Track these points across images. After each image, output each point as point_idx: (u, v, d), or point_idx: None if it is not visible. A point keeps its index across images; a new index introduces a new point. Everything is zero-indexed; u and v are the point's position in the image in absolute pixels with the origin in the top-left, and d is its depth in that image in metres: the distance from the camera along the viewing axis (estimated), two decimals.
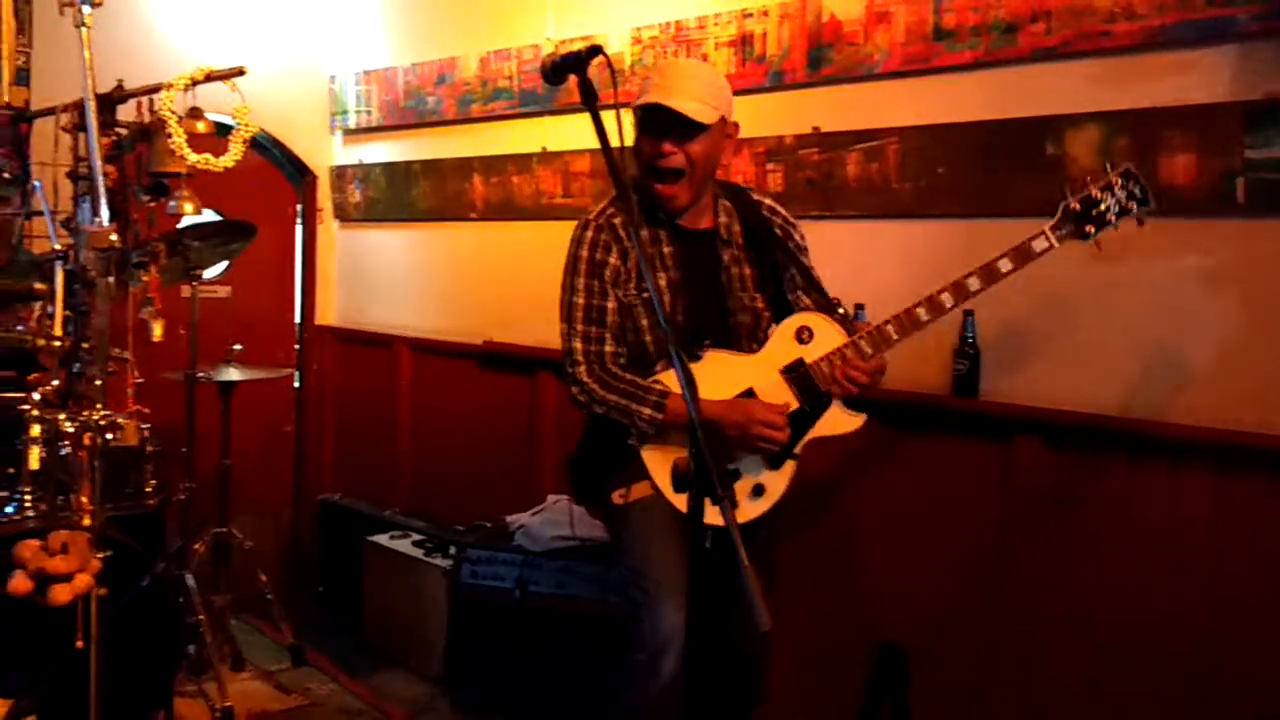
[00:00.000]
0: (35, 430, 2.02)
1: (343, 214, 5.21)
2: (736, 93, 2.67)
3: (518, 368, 4.29)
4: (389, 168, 4.91)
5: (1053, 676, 2.85)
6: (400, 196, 4.85)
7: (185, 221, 3.38)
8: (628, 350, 2.61)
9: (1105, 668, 2.77)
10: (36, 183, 2.47)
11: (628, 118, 2.45)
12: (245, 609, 4.09)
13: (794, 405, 2.53)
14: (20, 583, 1.97)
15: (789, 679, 3.19)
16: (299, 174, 5.18)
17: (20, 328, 2.52)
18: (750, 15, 3.46)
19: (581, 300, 2.59)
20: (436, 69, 4.59)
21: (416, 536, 4.18)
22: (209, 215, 3.21)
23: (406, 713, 3.63)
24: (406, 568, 4.02)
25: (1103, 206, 2.40)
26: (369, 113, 4.97)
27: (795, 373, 2.54)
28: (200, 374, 3.71)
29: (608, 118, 1.91)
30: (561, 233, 2.70)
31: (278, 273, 5.18)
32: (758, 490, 2.56)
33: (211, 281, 3.97)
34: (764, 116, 3.34)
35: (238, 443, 3.97)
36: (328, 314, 5.29)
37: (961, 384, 2.98)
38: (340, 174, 5.16)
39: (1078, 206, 2.41)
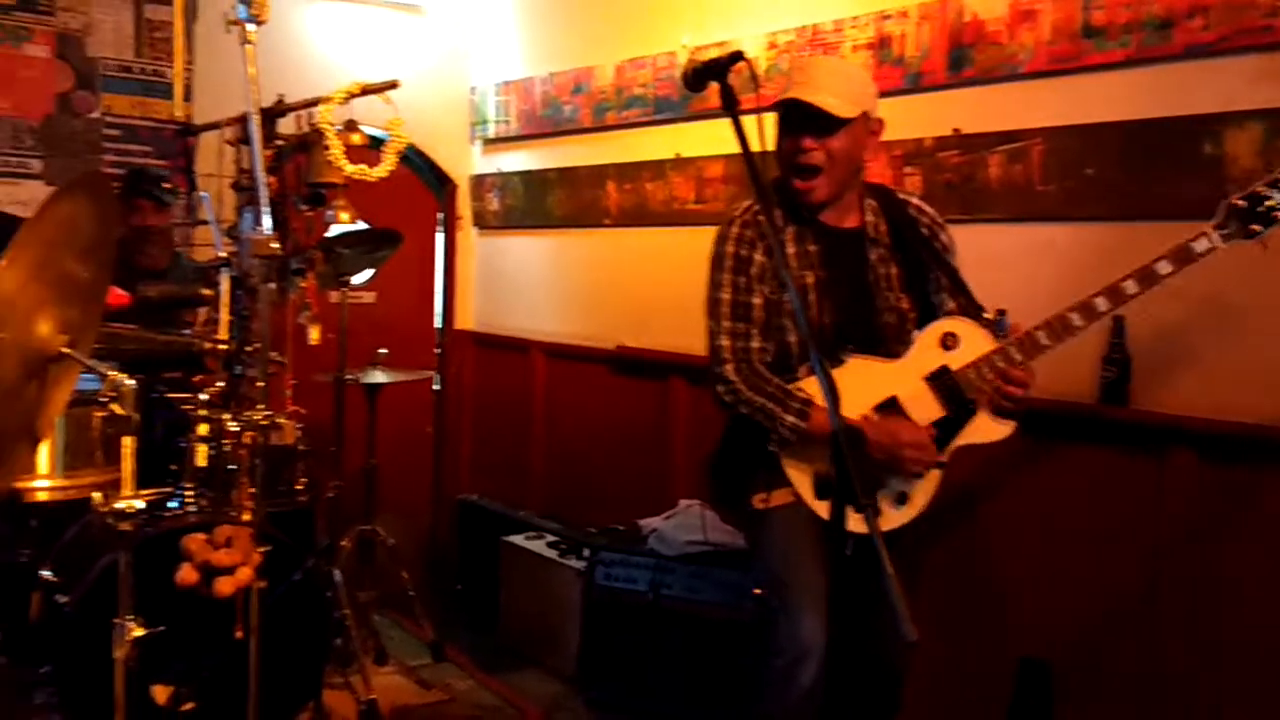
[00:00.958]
0: (203, 429, 2.13)
1: (481, 221, 5.34)
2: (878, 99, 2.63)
3: (650, 372, 4.32)
4: (526, 176, 5.01)
5: (1207, 702, 2.72)
6: (536, 204, 4.95)
7: (333, 230, 3.52)
8: (772, 349, 2.59)
9: (1265, 695, 2.63)
10: (204, 194, 2.60)
11: (767, 121, 2.46)
12: (388, 605, 4.22)
13: (939, 414, 2.49)
14: (188, 574, 2.10)
15: (927, 691, 3.12)
16: (440, 183, 5.34)
17: (186, 331, 2.68)
18: (889, 17, 3.42)
19: (728, 296, 2.57)
20: (573, 78, 4.66)
21: (551, 538, 4.25)
22: (357, 223, 3.33)
23: (541, 711, 3.69)
24: (541, 568, 4.09)
25: (1271, 202, 2.28)
26: (507, 122, 5.08)
27: (941, 380, 2.48)
28: (349, 376, 3.85)
29: (747, 122, 1.92)
30: (694, 238, 2.71)
31: (419, 279, 5.35)
32: (901, 498, 2.51)
33: (358, 287, 4.12)
34: (902, 119, 3.28)
35: (381, 443, 4.10)
36: (466, 319, 5.44)
37: (1110, 391, 2.87)
38: (479, 182, 5.30)
39: (1243, 203, 2.29)
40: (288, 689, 2.96)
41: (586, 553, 3.90)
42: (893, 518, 2.49)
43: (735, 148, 1.95)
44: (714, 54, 2.07)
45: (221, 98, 2.77)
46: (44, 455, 2.20)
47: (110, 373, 1.80)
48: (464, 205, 5.38)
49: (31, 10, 4.06)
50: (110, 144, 4.25)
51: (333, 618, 3.45)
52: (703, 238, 2.68)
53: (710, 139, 4.01)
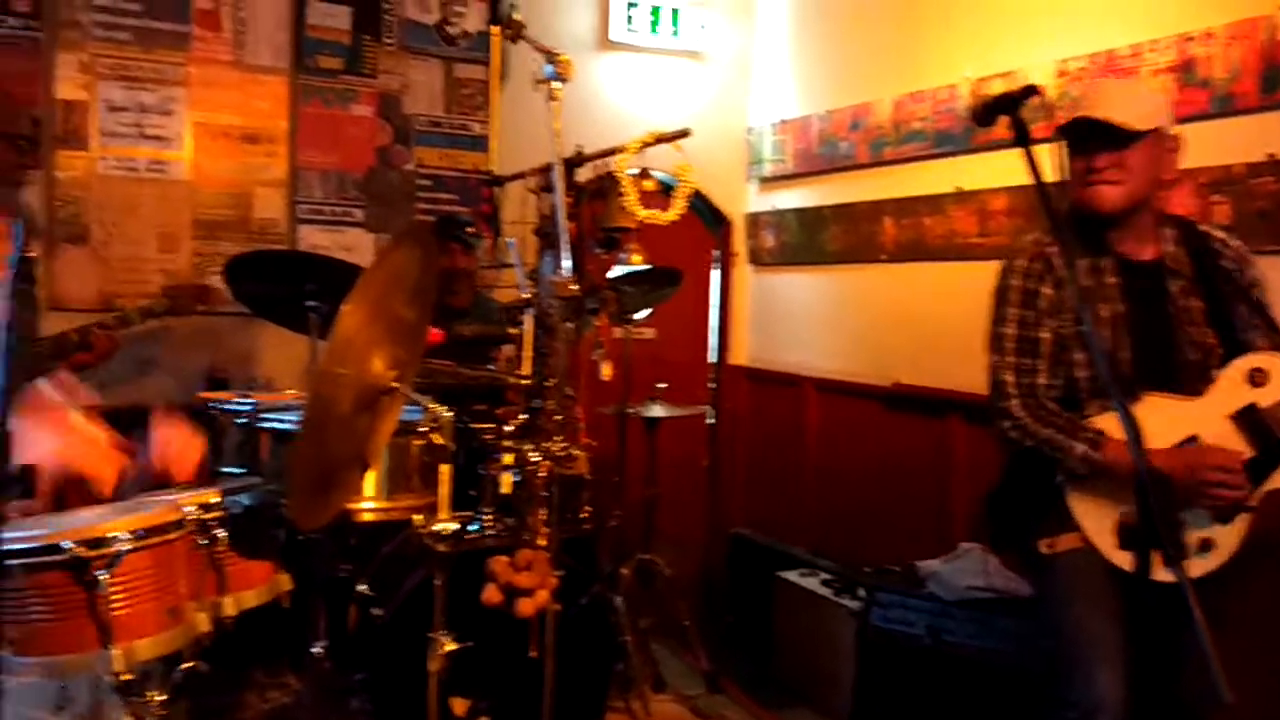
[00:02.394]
0: (508, 459, 2.28)
1: (756, 258, 5.42)
2: (1175, 120, 2.49)
3: (927, 410, 4.23)
4: (801, 213, 5.05)
5: None
6: (811, 240, 4.97)
7: (616, 270, 3.69)
8: (1060, 386, 2.49)
9: None
10: (510, 240, 2.81)
11: (1055, 153, 2.38)
12: (663, 633, 4.32)
13: (1246, 455, 2.31)
14: (493, 594, 2.25)
15: None
16: (717, 222, 5.47)
17: (491, 367, 2.88)
18: (1192, 39, 3.23)
19: (1013, 331, 2.49)
20: (850, 115, 4.67)
21: (825, 575, 4.23)
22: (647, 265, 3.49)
23: None
24: (815, 606, 4.08)
25: None
26: (783, 161, 5.14)
27: (1248, 418, 2.31)
28: (630, 409, 4.00)
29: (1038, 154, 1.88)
30: (976, 274, 2.65)
31: (695, 315, 5.48)
32: (1205, 545, 2.35)
33: (638, 324, 4.29)
34: (1208, 145, 3.09)
35: (659, 475, 4.23)
36: (740, 354, 5.52)
37: None
38: (755, 220, 5.39)
39: None
40: (574, 710, 3.09)
41: (861, 592, 3.84)
42: (1196, 566, 2.33)
43: (1020, 180, 1.92)
44: (999, 85, 2.05)
45: (523, 149, 2.98)
46: (370, 480, 2.43)
47: (431, 405, 1.97)
48: (739, 243, 5.48)
49: (358, 74, 4.51)
50: (422, 193, 4.65)
51: (615, 643, 3.57)
52: (985, 272, 2.62)
53: (994, 171, 3.90)
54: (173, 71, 4.22)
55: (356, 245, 4.52)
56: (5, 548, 1.43)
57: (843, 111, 4.72)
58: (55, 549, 1.58)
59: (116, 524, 1.65)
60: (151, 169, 4.20)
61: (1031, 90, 2.00)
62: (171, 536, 1.73)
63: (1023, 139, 1.96)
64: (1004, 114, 2.01)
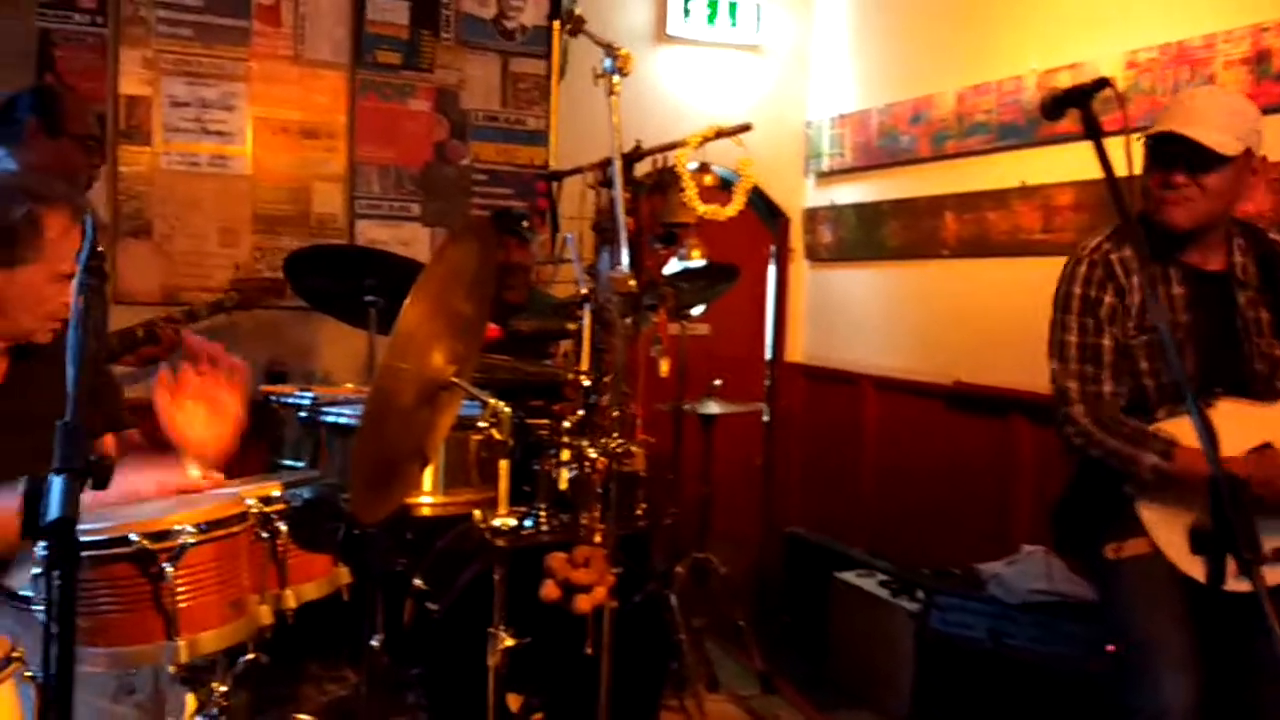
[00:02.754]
0: (565, 455, 2.27)
1: (813, 254, 5.36)
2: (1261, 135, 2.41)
3: (989, 409, 4.16)
4: (860, 208, 4.99)
5: None
6: (870, 236, 4.91)
7: (671, 266, 3.66)
8: (1125, 393, 2.45)
9: None
10: (569, 235, 2.80)
11: (1124, 147, 2.32)
12: (717, 632, 4.30)
13: None
14: (551, 590, 2.24)
15: None
16: (773, 217, 5.42)
17: (547, 363, 2.88)
18: (1267, 30, 3.14)
19: (1075, 339, 2.45)
20: (911, 108, 4.60)
21: (882, 576, 4.17)
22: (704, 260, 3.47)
23: None
24: (872, 607, 4.03)
25: None
26: (841, 155, 5.08)
27: None
28: (686, 406, 3.98)
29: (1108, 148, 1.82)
30: (1040, 270, 2.60)
31: (750, 311, 5.44)
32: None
33: (693, 320, 4.27)
34: None
35: (714, 473, 4.20)
36: (796, 351, 5.47)
37: None
38: (812, 215, 5.33)
39: None
40: (628, 707, 3.07)
41: (920, 594, 3.80)
42: (1271, 574, 2.26)
43: (1087, 174, 1.87)
44: (1066, 77, 1.99)
45: (579, 144, 2.97)
46: (428, 474, 2.43)
47: (491, 400, 1.96)
48: (796, 238, 5.43)
49: (415, 69, 4.53)
50: (478, 188, 4.65)
51: (670, 642, 3.56)
52: (1050, 269, 2.57)
53: (1060, 165, 3.82)
54: (234, 67, 4.26)
55: (413, 240, 4.53)
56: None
57: (904, 104, 4.65)
58: (124, 541, 1.60)
59: (182, 516, 1.66)
60: (213, 164, 4.25)
61: (1103, 83, 1.94)
62: (235, 529, 1.74)
63: (1094, 133, 1.91)
64: (1075, 107, 1.96)
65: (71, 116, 2.99)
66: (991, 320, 4.18)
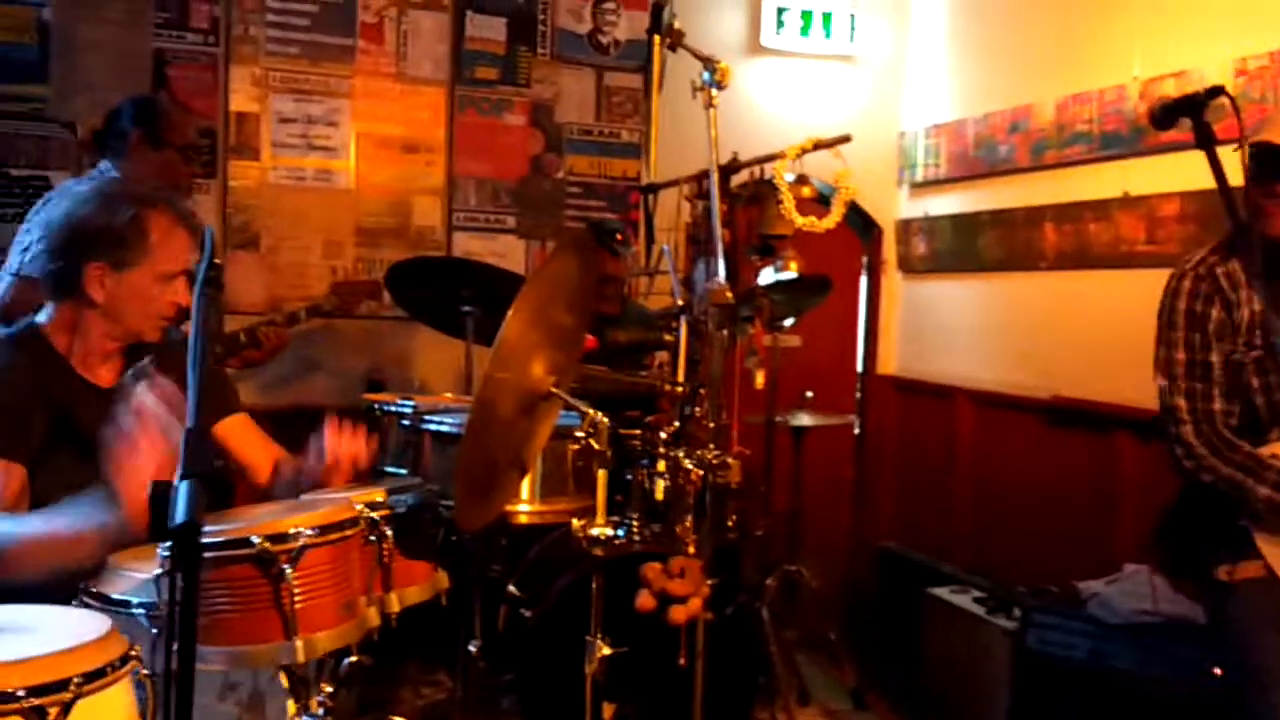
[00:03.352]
0: (661, 465, 2.29)
1: (907, 266, 5.30)
2: None
3: (1090, 424, 4.07)
4: (955, 219, 4.92)
5: None
6: (966, 247, 4.84)
7: (763, 277, 3.66)
8: (1236, 411, 2.37)
9: None
10: (665, 246, 2.82)
11: (1245, 159, 2.27)
12: (808, 646, 4.27)
13: None
14: (646, 600, 2.25)
15: None
16: (866, 228, 5.38)
17: (642, 373, 2.90)
18: None
19: (1182, 355, 2.39)
20: (1009, 117, 4.53)
21: (977, 593, 4.10)
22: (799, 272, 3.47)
23: None
24: (967, 624, 3.96)
25: None
26: (936, 165, 5.02)
27: None
28: (777, 418, 3.97)
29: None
30: (1143, 282, 2.54)
31: (841, 323, 5.40)
32: None
33: (784, 331, 4.26)
34: None
35: (804, 485, 4.18)
36: (888, 363, 5.41)
37: None
38: (905, 227, 5.28)
39: None
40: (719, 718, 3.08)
41: (1017, 612, 3.72)
42: None
43: (1193, 184, 1.83)
44: (1171, 85, 1.95)
45: (672, 156, 2.99)
46: (525, 483, 2.47)
47: (590, 411, 1.99)
48: (889, 250, 5.38)
49: (512, 84, 4.61)
50: (571, 200, 4.71)
51: (760, 654, 3.55)
52: (1154, 281, 2.51)
53: (1164, 175, 3.72)
54: (339, 84, 4.39)
55: (508, 251, 4.61)
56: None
57: (1001, 114, 4.58)
58: (245, 543, 1.65)
59: (299, 520, 1.71)
60: (318, 178, 4.38)
61: (1217, 91, 1.91)
62: (348, 533, 1.79)
63: (1206, 142, 1.87)
64: (1186, 116, 1.92)
65: (172, 127, 3.10)
66: (1092, 333, 4.09)
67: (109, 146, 3.06)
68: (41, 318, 2.08)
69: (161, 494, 1.32)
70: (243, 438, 2.31)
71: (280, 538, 1.67)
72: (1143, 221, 3.86)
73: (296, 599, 1.66)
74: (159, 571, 1.60)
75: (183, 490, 1.29)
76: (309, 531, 1.70)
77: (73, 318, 2.05)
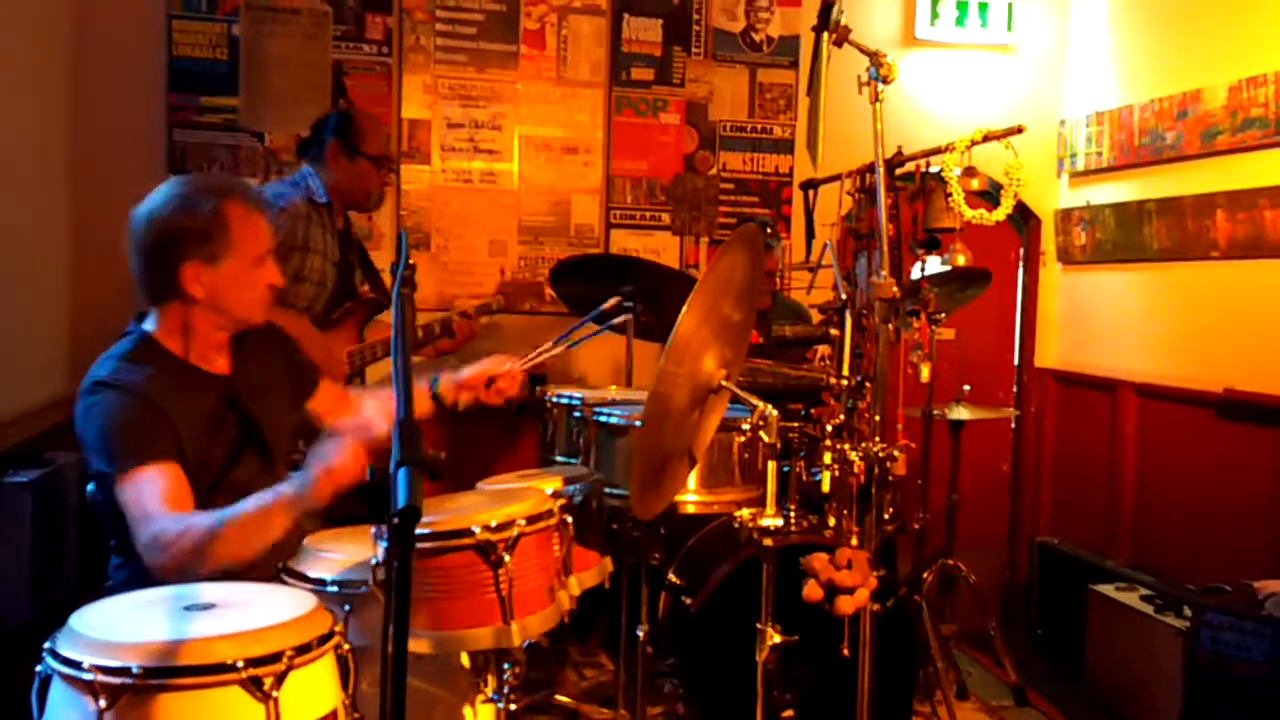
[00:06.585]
0: (827, 458, 2.33)
1: (1066, 257, 5.18)
2: None
3: (1266, 419, 3.91)
4: (1119, 208, 4.78)
5: None
6: (1130, 237, 4.70)
7: (917, 270, 3.64)
8: None
9: None
10: (828, 242, 2.86)
11: None
12: (966, 641, 4.24)
13: None
14: (813, 590, 2.30)
15: None
16: (1023, 219, 5.28)
17: (805, 367, 2.94)
18: None
19: None
20: (1177, 103, 4.38)
21: (1145, 591, 4.00)
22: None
23: None
24: (1134, 623, 3.87)
25: None
26: (1099, 154, 4.89)
27: None
28: (935, 411, 3.95)
29: None
30: None
31: (997, 315, 5.31)
32: None
33: (941, 324, 4.22)
34: None
35: (962, 479, 4.15)
36: (1046, 356, 5.30)
37: None
38: (1066, 217, 5.15)
39: None
40: (879, 712, 3.09)
41: (1188, 611, 3.62)
42: None
43: None
44: None
45: (834, 151, 3.00)
46: (693, 474, 2.55)
47: (760, 404, 2.05)
48: (1047, 240, 5.26)
49: (667, 83, 4.71)
50: (724, 196, 4.78)
51: (919, 648, 3.55)
52: None
53: None
54: (503, 89, 4.57)
55: (663, 248, 4.71)
56: (422, 531, 1.62)
57: (1169, 99, 4.43)
58: (466, 532, 1.78)
59: (512, 510, 1.83)
60: (483, 180, 4.57)
61: None
62: (551, 521, 1.90)
63: None
64: None
65: (367, 138, 3.30)
66: (1268, 324, 3.93)
67: (310, 154, 3.28)
68: (149, 325, 2.11)
69: (380, 479, 1.44)
70: (329, 402, 2.42)
71: (500, 527, 1.78)
72: None
73: (515, 584, 1.78)
74: (375, 558, 1.72)
75: (401, 476, 1.40)
76: (523, 520, 1.81)
77: (181, 318, 2.09)
